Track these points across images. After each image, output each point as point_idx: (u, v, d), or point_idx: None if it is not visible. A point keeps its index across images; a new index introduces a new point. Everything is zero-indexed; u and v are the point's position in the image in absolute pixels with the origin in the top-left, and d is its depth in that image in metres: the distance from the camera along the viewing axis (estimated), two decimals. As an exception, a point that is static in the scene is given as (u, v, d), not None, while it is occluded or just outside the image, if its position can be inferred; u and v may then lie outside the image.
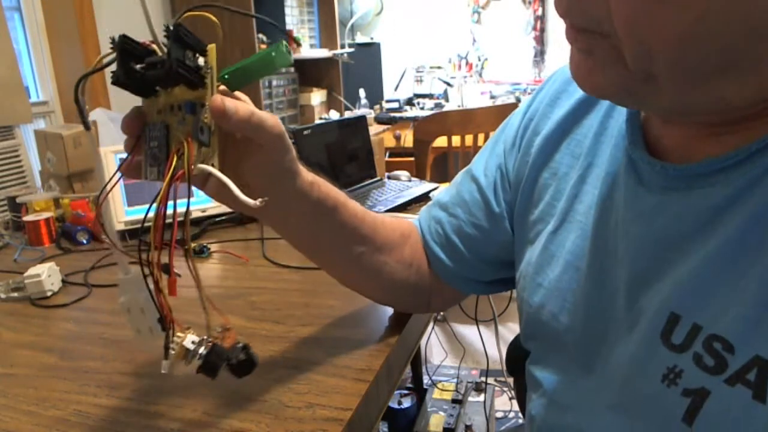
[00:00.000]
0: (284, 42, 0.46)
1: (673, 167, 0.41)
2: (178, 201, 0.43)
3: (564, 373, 0.49)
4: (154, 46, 0.44)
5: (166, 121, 0.46)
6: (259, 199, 0.42)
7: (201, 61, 0.45)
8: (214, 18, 0.45)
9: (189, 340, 0.47)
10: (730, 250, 0.36)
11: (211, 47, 0.45)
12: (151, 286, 0.45)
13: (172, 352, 0.46)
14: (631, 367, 0.41)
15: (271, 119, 0.47)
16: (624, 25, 0.34)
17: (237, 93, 0.48)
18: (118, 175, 0.48)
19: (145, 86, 0.45)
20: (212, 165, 0.44)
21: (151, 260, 0.43)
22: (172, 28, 0.43)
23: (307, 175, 0.53)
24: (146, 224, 0.42)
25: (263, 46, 2.30)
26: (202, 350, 0.47)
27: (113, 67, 0.44)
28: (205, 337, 0.48)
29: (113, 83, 0.44)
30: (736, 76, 0.34)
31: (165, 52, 0.44)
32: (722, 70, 0.33)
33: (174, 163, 0.43)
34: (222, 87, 0.47)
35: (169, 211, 0.42)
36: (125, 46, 0.43)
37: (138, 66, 0.44)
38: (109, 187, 0.47)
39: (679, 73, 0.34)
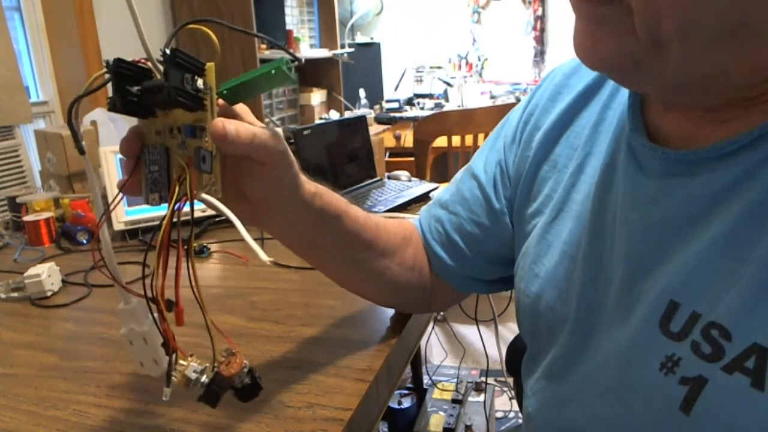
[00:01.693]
0: (286, 60, 0.44)
1: (675, 153, 0.40)
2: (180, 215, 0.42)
3: (559, 366, 0.49)
4: (149, 65, 0.43)
5: (165, 143, 0.45)
6: (269, 260, 0.42)
7: (200, 82, 0.44)
8: (212, 35, 0.43)
9: (191, 368, 0.46)
10: (731, 236, 0.36)
11: (210, 66, 0.44)
12: (155, 313, 0.44)
13: (174, 379, 0.45)
14: (628, 355, 0.41)
15: (273, 138, 0.46)
16: None
17: (237, 106, 0.47)
18: (120, 196, 0.47)
19: (142, 109, 0.44)
20: (215, 191, 0.43)
21: (155, 290, 0.42)
22: (168, 51, 0.41)
23: (309, 185, 0.52)
24: (148, 224, 0.42)
25: (263, 47, 2.30)
26: (204, 379, 0.46)
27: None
28: (208, 365, 0.47)
29: (110, 110, 0.43)
30: (741, 46, 0.34)
31: (161, 71, 0.42)
32: (729, 37, 0.33)
33: (176, 191, 0.42)
34: (221, 102, 0.46)
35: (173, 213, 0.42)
36: (120, 70, 0.42)
37: (135, 89, 0.43)
38: (113, 205, 0.47)
39: (688, 35, 0.34)
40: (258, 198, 0.49)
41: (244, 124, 0.44)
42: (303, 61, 0.45)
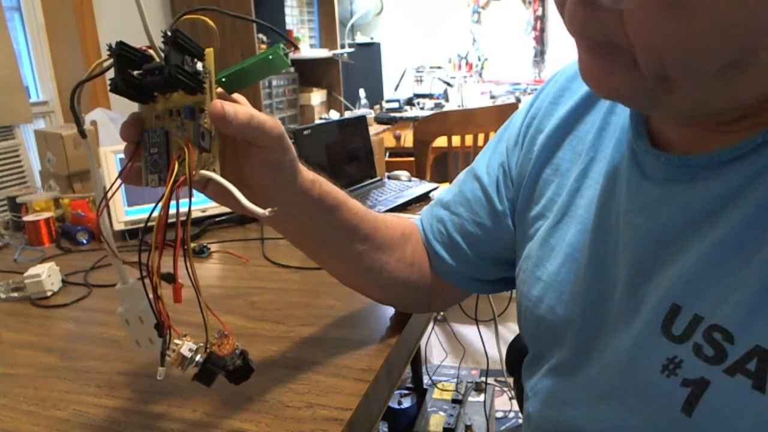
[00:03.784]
0: (282, 45, 0.45)
1: (678, 158, 0.41)
2: (179, 201, 0.42)
3: (561, 368, 0.49)
4: (151, 52, 0.44)
5: (165, 126, 0.46)
6: (268, 209, 0.42)
7: (199, 65, 0.45)
8: (210, 22, 0.44)
9: (186, 347, 0.46)
10: (734, 241, 0.37)
11: (209, 51, 0.45)
12: (150, 292, 0.44)
13: (168, 358, 0.45)
14: (630, 357, 0.41)
15: (270, 121, 0.47)
16: (638, 36, 0.34)
17: (235, 95, 0.48)
18: (119, 182, 0.47)
19: (143, 92, 0.45)
20: (213, 170, 0.44)
21: (151, 266, 0.43)
22: (169, 33, 0.42)
23: (307, 173, 0.53)
24: (149, 224, 0.42)
25: (263, 47, 2.30)
26: (198, 358, 0.46)
27: (112, 70, 0.44)
28: (202, 344, 0.47)
29: (111, 91, 0.44)
30: (749, 75, 0.34)
31: (162, 58, 0.43)
32: (735, 69, 0.33)
33: (176, 170, 0.43)
34: (219, 90, 0.47)
35: (171, 211, 0.42)
36: (122, 53, 0.43)
37: (136, 72, 0.44)
38: (110, 194, 0.47)
39: (694, 76, 0.34)
40: (258, 184, 0.49)
41: (242, 106, 0.46)
42: (299, 47, 0.46)
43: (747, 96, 0.35)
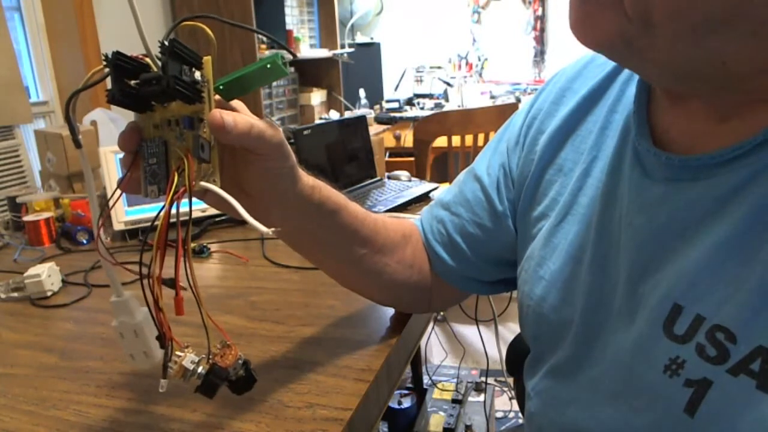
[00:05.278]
0: (280, 54, 0.45)
1: (679, 158, 0.41)
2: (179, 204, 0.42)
3: (563, 368, 0.49)
4: (148, 60, 0.44)
5: (163, 136, 0.45)
6: (272, 229, 0.41)
7: (197, 74, 0.44)
8: (208, 30, 0.44)
9: (188, 359, 0.46)
10: (735, 240, 0.36)
11: (207, 60, 0.45)
12: (149, 299, 0.43)
13: (171, 370, 0.45)
14: (632, 357, 0.41)
15: (270, 129, 0.47)
16: None
17: (234, 103, 0.48)
18: (118, 192, 0.47)
19: (140, 102, 0.45)
20: (213, 181, 0.44)
21: (151, 277, 0.42)
22: (166, 43, 0.42)
23: (307, 179, 0.53)
24: (148, 224, 0.42)
25: (263, 47, 2.30)
26: (201, 370, 0.46)
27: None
28: (204, 356, 0.47)
29: (109, 102, 0.43)
30: (736, 35, 0.33)
31: (159, 67, 0.43)
32: (724, 25, 0.33)
33: (175, 181, 0.43)
34: (217, 97, 0.46)
35: (172, 211, 0.42)
36: (119, 63, 0.42)
37: (133, 82, 0.43)
38: (110, 204, 0.47)
39: (679, 23, 0.34)
40: (257, 191, 0.49)
41: (241, 115, 0.45)
42: (297, 55, 0.46)
43: (733, 58, 0.35)
